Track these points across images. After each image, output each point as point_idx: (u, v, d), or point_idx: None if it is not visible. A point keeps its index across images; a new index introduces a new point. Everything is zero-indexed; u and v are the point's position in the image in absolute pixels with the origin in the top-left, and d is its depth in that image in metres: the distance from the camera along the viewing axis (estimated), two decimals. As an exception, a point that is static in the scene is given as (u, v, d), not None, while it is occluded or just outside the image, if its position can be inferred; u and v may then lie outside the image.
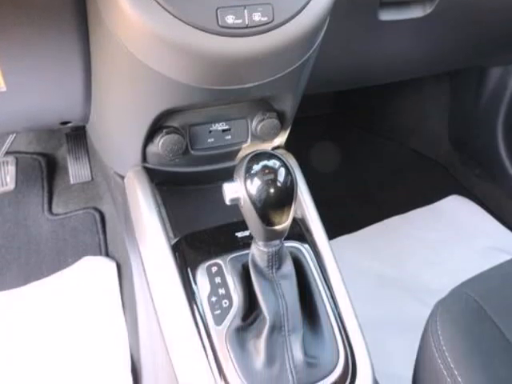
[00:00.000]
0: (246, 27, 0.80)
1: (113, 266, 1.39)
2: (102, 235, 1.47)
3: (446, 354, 0.83)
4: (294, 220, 0.96)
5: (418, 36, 1.20)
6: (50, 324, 1.31)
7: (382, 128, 2.07)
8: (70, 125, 1.17)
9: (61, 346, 1.27)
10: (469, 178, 1.81)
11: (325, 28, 0.92)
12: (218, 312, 0.92)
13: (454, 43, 1.29)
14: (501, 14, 1.19)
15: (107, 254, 1.44)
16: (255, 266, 0.90)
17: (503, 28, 1.23)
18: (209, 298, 0.93)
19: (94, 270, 1.39)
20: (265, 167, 0.80)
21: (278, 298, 0.89)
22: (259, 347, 0.88)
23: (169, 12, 0.78)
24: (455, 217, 1.73)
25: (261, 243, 0.86)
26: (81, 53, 0.94)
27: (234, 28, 0.80)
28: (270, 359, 0.87)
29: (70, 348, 1.27)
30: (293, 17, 0.83)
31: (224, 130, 1.05)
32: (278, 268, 0.90)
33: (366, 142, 2.05)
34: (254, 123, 1.05)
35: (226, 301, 0.93)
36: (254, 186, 0.79)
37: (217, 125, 1.04)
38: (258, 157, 0.81)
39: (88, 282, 1.37)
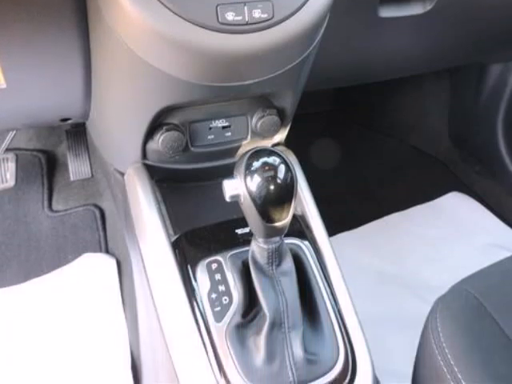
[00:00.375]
0: (246, 24, 0.81)
1: (113, 262, 1.39)
2: (102, 232, 1.47)
3: (446, 350, 0.83)
4: (294, 217, 0.96)
5: (418, 33, 1.20)
6: (50, 321, 1.32)
7: (381, 125, 2.07)
8: (69, 122, 1.17)
9: (61, 343, 1.28)
10: (469, 175, 1.82)
11: (325, 25, 0.92)
12: (218, 309, 0.92)
13: (454, 40, 1.29)
14: (501, 10, 1.19)
15: (107, 251, 1.44)
16: (255, 262, 0.90)
17: (503, 25, 1.23)
18: (209, 294, 0.94)
19: (94, 267, 1.39)
20: (265, 164, 0.80)
21: (277, 295, 0.89)
22: (259, 344, 0.88)
23: (169, 9, 0.78)
24: (455, 214, 1.73)
25: (261, 240, 0.87)
26: (81, 50, 0.95)
27: (234, 25, 0.80)
28: (270, 356, 0.87)
29: (69, 345, 1.28)
30: (293, 14, 0.83)
31: (224, 127, 1.05)
32: (278, 265, 0.90)
33: (366, 138, 2.05)
34: (254, 120, 1.05)
35: (225, 298, 0.93)
36: (254, 182, 0.79)
37: (217, 122, 1.04)
38: (257, 154, 0.81)
39: (88, 278, 1.37)
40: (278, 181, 0.79)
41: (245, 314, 0.92)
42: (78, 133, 1.60)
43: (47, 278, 1.40)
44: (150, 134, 1.00)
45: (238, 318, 0.91)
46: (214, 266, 0.96)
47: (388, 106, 2.03)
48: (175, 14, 0.78)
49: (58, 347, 1.27)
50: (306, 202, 1.08)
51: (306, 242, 1.02)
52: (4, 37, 0.87)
